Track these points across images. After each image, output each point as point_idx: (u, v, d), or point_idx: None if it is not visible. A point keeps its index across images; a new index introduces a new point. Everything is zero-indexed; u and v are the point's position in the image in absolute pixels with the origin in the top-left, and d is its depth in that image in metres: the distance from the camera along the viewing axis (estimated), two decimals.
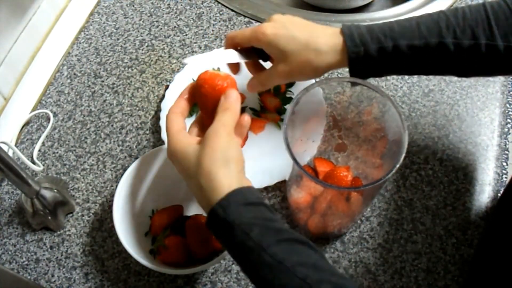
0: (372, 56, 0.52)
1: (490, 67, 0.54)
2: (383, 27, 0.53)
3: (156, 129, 0.72)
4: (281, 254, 0.42)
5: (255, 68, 0.61)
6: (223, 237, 0.46)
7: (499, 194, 0.67)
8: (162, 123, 0.70)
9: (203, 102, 0.54)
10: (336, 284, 0.41)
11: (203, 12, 0.84)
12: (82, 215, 0.66)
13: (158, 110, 0.73)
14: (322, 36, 0.54)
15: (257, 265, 0.43)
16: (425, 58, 0.53)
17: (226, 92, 0.51)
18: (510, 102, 0.75)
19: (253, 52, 0.59)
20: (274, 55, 0.57)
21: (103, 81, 0.77)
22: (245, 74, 0.64)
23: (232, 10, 0.84)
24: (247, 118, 0.52)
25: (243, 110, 0.72)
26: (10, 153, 0.68)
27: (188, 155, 0.49)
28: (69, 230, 0.65)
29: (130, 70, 0.78)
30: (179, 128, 0.52)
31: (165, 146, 0.63)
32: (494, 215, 0.65)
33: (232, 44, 0.59)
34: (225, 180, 0.46)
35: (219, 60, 0.59)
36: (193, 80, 0.74)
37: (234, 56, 0.59)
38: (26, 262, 0.63)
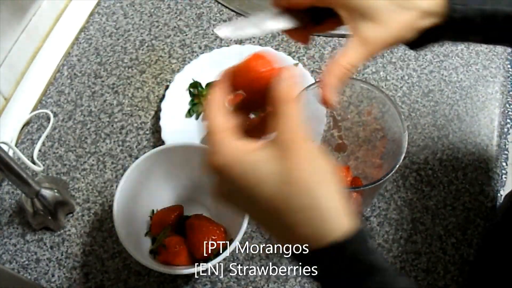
0: (470, 18, 0.43)
1: None
2: None
3: (156, 129, 0.72)
4: None
5: (303, 37, 0.47)
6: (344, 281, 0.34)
7: (499, 194, 0.67)
8: (162, 123, 0.70)
9: (250, 90, 0.41)
10: None
11: (203, 12, 0.84)
12: (82, 215, 0.66)
13: (158, 110, 0.73)
14: None
15: None
16: None
17: (280, 74, 0.38)
18: (510, 102, 0.75)
19: (305, 15, 0.45)
20: (353, 17, 0.42)
21: (103, 81, 0.77)
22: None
23: (232, 10, 0.84)
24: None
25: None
26: (10, 153, 0.68)
27: (258, 169, 0.34)
28: (69, 230, 0.65)
29: (130, 70, 0.78)
30: (227, 127, 0.37)
31: (165, 146, 0.63)
32: (503, 214, 0.64)
33: (284, 4, 0.44)
34: (335, 205, 0.34)
35: (267, 27, 0.44)
36: (193, 80, 0.74)
37: (286, 20, 0.45)
38: (26, 262, 0.63)
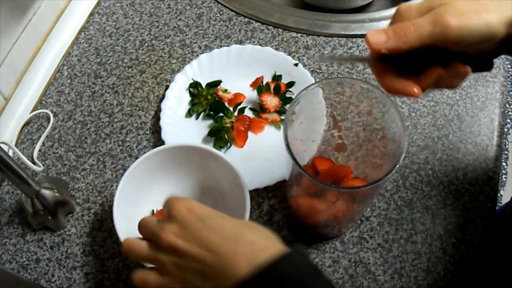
0: None
1: None
2: None
3: (156, 129, 0.72)
4: None
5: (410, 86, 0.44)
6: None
7: (499, 194, 0.67)
8: (162, 123, 0.70)
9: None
10: None
11: (203, 12, 0.84)
12: (82, 215, 0.66)
13: (158, 110, 0.73)
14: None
15: None
16: None
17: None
18: (510, 102, 0.75)
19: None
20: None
21: (103, 81, 0.78)
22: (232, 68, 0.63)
23: (232, 10, 0.84)
24: None
25: (243, 110, 0.73)
26: (10, 153, 0.68)
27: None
28: (69, 230, 0.65)
29: (130, 70, 0.78)
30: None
31: (165, 146, 0.63)
32: (507, 215, 0.64)
33: (382, 48, 0.42)
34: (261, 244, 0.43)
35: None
36: (193, 80, 0.74)
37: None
38: (26, 262, 0.63)
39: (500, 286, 0.61)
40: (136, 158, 0.62)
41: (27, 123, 0.74)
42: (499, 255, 0.64)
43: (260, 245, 0.42)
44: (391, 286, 0.60)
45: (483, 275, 0.62)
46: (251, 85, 0.74)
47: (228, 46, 0.77)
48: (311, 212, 0.59)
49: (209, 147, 0.63)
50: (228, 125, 0.70)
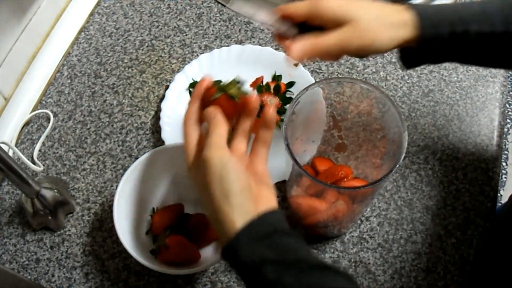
0: (443, 39, 0.48)
1: None
2: (450, 9, 0.49)
3: (156, 129, 0.72)
4: None
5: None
6: (239, 275, 0.43)
7: (499, 194, 0.67)
8: (162, 123, 0.70)
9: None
10: None
11: (203, 12, 0.84)
12: (82, 215, 0.66)
13: (158, 110, 0.73)
14: (391, 10, 0.49)
15: None
16: (490, 47, 0.49)
17: (206, 113, 0.48)
18: (510, 102, 0.75)
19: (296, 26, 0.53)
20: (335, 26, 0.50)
21: (103, 81, 0.78)
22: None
23: (232, 10, 0.84)
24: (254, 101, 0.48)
25: None
26: (10, 153, 0.68)
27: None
28: (69, 230, 0.65)
29: (130, 70, 0.78)
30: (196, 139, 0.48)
31: (165, 146, 0.63)
32: (505, 214, 0.64)
33: (281, 15, 0.52)
34: (229, 216, 0.43)
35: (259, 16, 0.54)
36: (193, 79, 0.74)
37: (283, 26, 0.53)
38: (26, 262, 0.63)
39: (500, 286, 0.61)
40: (136, 158, 0.62)
41: (27, 123, 0.74)
42: (499, 255, 0.64)
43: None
44: (391, 286, 0.60)
45: (483, 275, 0.62)
46: (251, 85, 0.74)
47: (228, 46, 0.77)
48: (311, 212, 0.59)
49: None
50: None
